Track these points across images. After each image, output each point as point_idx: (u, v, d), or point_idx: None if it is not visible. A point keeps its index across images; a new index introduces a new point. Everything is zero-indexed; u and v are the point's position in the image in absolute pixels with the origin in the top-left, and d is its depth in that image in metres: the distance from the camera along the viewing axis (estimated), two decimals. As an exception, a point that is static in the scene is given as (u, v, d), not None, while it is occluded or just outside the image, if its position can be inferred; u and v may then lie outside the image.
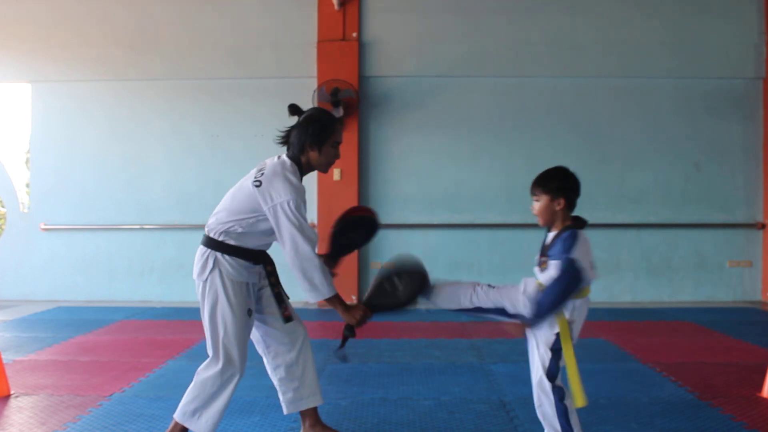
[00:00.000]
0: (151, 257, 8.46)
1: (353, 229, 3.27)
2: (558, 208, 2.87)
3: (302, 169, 3.12)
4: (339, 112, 8.00)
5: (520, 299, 2.87)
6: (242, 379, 4.46)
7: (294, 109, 3.21)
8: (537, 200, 2.93)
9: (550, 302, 2.73)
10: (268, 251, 3.19)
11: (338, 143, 3.17)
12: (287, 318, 3.16)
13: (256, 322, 3.18)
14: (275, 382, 3.27)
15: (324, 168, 3.18)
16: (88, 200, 8.51)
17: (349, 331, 3.10)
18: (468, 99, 8.53)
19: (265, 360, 3.29)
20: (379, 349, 5.50)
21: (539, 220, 2.94)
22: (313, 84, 8.26)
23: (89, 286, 8.52)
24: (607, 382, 4.43)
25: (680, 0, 8.52)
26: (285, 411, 3.26)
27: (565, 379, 2.83)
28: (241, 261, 3.04)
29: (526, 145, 8.48)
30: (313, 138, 3.08)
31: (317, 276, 2.93)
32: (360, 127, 8.37)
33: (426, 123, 8.47)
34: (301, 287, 2.97)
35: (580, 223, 2.89)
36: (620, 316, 7.27)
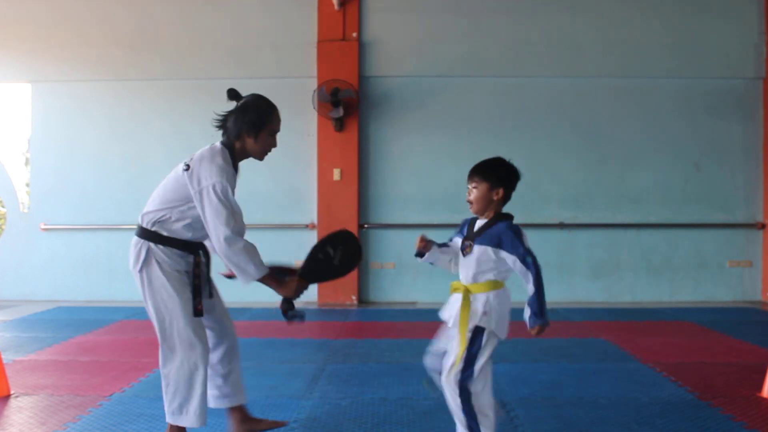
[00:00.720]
0: (151, 257, 8.45)
1: (332, 245, 3.12)
2: (495, 198, 2.89)
3: (235, 155, 3.08)
4: (339, 112, 8.00)
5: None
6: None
7: (233, 94, 3.16)
8: (475, 188, 2.92)
9: (540, 298, 2.79)
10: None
11: (276, 132, 3.12)
12: (197, 312, 3.04)
13: None
14: (214, 376, 3.24)
15: (259, 156, 3.14)
16: (88, 200, 8.51)
17: (288, 305, 3.06)
18: (468, 99, 8.53)
19: (213, 354, 3.23)
20: (379, 349, 5.50)
21: (472, 207, 2.95)
22: (313, 84, 8.26)
23: (89, 286, 8.52)
24: (607, 382, 4.43)
25: (680, 0, 8.53)
26: (210, 404, 3.22)
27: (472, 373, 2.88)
28: (175, 250, 3.01)
29: (526, 145, 8.48)
30: (250, 125, 3.03)
31: (243, 259, 2.87)
32: (360, 127, 8.37)
33: (426, 123, 8.47)
34: (238, 268, 2.91)
35: (510, 216, 2.96)
36: (620, 316, 7.27)
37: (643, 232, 8.48)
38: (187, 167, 2.97)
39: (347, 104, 8.08)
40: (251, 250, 2.91)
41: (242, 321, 7.04)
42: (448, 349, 2.90)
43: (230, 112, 3.12)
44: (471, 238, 2.93)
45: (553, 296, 8.39)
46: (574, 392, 4.17)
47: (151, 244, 3.02)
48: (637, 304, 8.27)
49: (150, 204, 3.09)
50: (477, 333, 2.83)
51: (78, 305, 8.06)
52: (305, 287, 3.04)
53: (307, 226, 8.40)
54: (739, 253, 8.52)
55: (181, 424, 3.03)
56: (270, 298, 8.26)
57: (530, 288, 2.79)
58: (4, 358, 4.45)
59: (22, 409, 3.87)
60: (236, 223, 2.90)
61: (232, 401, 3.25)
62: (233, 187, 3.00)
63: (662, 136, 8.48)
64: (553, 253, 8.43)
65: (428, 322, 6.86)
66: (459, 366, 2.82)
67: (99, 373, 4.70)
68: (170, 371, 2.99)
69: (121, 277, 8.47)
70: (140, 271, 3.04)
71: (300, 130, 8.45)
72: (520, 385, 4.34)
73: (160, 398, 4.01)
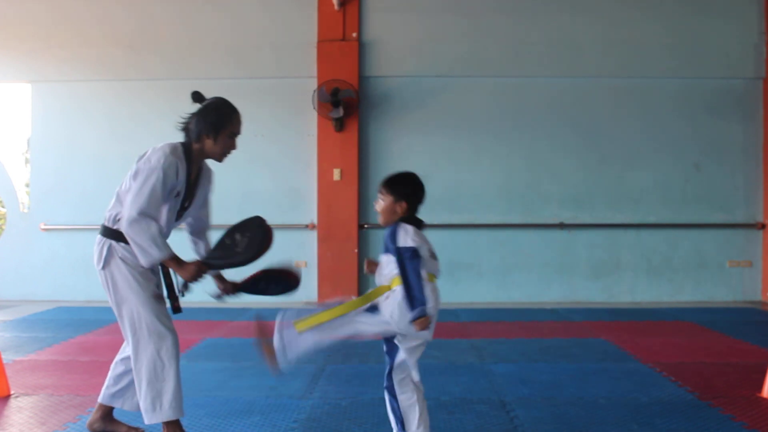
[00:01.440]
0: (151, 257, 8.46)
1: (241, 232, 3.14)
2: (399, 210, 2.96)
3: (193, 155, 3.12)
4: (339, 112, 8.00)
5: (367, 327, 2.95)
6: (242, 379, 4.49)
7: (197, 96, 3.20)
8: (382, 199, 3.00)
9: (417, 289, 2.79)
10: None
11: (236, 134, 3.16)
12: (176, 309, 3.12)
13: None
14: (112, 372, 3.25)
15: (219, 158, 3.17)
16: (88, 200, 8.51)
17: (185, 287, 3.08)
18: (468, 99, 8.53)
19: (121, 351, 3.25)
20: (379, 349, 5.48)
21: (380, 218, 3.03)
22: (313, 84, 8.26)
23: (89, 286, 8.50)
24: (607, 382, 4.43)
25: (680, 0, 8.53)
26: (99, 398, 3.25)
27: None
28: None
29: (526, 145, 8.49)
30: (210, 126, 3.08)
31: (146, 240, 2.89)
32: (360, 127, 8.37)
33: (426, 123, 8.47)
34: (139, 248, 2.93)
35: (415, 221, 2.98)
36: (620, 316, 7.27)
37: (643, 232, 8.48)
38: (140, 158, 3.06)
39: (347, 104, 8.08)
40: (156, 233, 2.92)
41: (242, 321, 7.04)
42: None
43: (193, 114, 3.15)
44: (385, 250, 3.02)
45: (553, 296, 8.50)
46: (574, 392, 4.17)
47: (113, 242, 3.05)
48: (637, 304, 8.27)
49: (111, 202, 3.13)
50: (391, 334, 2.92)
51: (78, 305, 8.06)
52: (204, 272, 3.05)
53: (307, 226, 8.40)
54: (739, 253, 8.52)
55: (157, 420, 3.04)
56: (270, 298, 8.26)
57: (405, 281, 2.81)
58: (4, 358, 4.45)
59: (22, 409, 3.87)
60: (149, 208, 2.91)
61: (112, 401, 3.27)
62: (177, 185, 3.03)
63: (662, 136, 8.48)
64: (553, 253, 8.44)
65: (428, 322, 6.87)
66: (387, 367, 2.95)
67: (99, 373, 4.69)
68: (142, 366, 3.01)
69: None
70: (103, 268, 3.06)
71: (300, 130, 8.46)
72: (520, 385, 4.34)
73: (160, 398, 4.01)
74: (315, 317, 2.95)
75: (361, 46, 8.43)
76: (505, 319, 7.12)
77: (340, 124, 8.19)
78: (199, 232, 3.38)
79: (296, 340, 2.93)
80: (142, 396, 3.02)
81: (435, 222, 8.42)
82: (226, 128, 3.11)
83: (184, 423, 3.56)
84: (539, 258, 8.44)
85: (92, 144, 8.56)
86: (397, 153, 8.46)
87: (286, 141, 8.54)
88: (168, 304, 3.15)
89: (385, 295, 2.91)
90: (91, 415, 3.36)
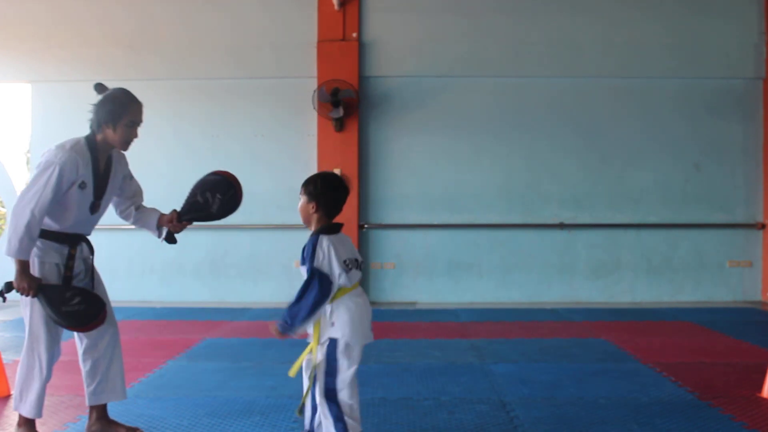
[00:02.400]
0: (151, 257, 8.46)
1: (210, 190, 3.25)
2: (312, 211, 2.95)
3: (97, 146, 3.16)
4: (339, 112, 8.00)
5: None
6: (242, 379, 4.49)
7: (99, 88, 3.26)
8: (300, 198, 3.00)
9: (300, 314, 2.76)
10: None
11: (135, 123, 3.20)
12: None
13: None
14: (82, 373, 3.32)
15: (121, 146, 3.21)
16: (88, 200, 8.50)
17: (7, 289, 3.14)
18: (468, 99, 8.53)
19: (77, 350, 3.32)
20: (379, 349, 5.50)
21: (301, 217, 3.02)
22: (313, 84, 8.26)
23: (89, 286, 8.51)
24: (607, 382, 4.43)
25: (680, 0, 8.53)
26: (86, 402, 3.32)
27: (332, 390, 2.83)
28: (47, 242, 3.09)
29: (526, 145, 8.49)
30: (108, 115, 3.14)
31: (19, 234, 2.92)
32: (360, 127, 8.37)
33: (426, 123, 8.47)
34: (8, 236, 2.97)
35: (329, 228, 2.95)
36: (620, 316, 7.27)
37: (643, 232, 8.48)
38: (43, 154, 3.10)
39: (347, 104, 8.08)
40: (30, 235, 2.95)
41: (242, 321, 7.03)
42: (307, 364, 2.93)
43: (94, 105, 3.22)
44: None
45: (553, 296, 8.50)
46: (574, 392, 4.17)
47: None
48: (637, 304, 8.26)
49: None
50: (332, 344, 2.83)
51: (78, 305, 8.05)
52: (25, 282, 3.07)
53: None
54: (739, 253, 8.51)
55: (19, 411, 3.16)
56: (270, 298, 8.26)
57: (297, 298, 2.77)
58: (4, 358, 4.45)
59: (22, 409, 3.87)
60: (37, 201, 2.94)
61: (108, 397, 3.33)
62: (78, 178, 3.06)
63: (662, 136, 8.48)
64: (553, 253, 8.44)
65: (428, 322, 6.87)
66: (321, 380, 2.82)
67: (99, 373, 4.69)
68: (22, 359, 3.15)
69: (121, 277, 8.48)
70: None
71: (300, 130, 8.46)
72: (520, 385, 4.34)
73: (161, 398, 4.02)
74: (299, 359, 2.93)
75: (361, 46, 8.43)
76: (505, 319, 7.12)
77: (340, 124, 8.19)
78: (138, 206, 3.46)
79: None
80: (16, 383, 3.16)
81: (435, 222, 8.43)
82: (124, 117, 3.15)
83: (184, 423, 3.57)
84: (539, 258, 8.43)
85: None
86: (397, 153, 8.46)
87: (286, 141, 8.53)
88: None
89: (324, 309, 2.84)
90: (88, 417, 3.36)
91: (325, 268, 2.80)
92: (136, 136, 3.22)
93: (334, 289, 2.81)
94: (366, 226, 8.39)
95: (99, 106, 3.17)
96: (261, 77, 8.52)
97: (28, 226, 2.94)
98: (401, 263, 8.37)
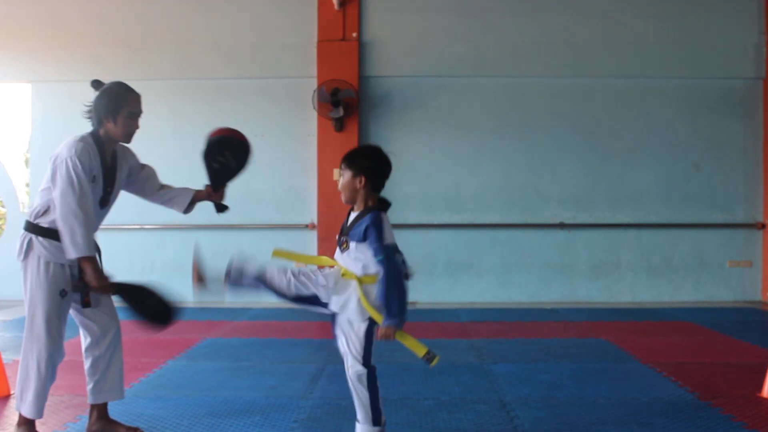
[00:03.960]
0: (150, 257, 8.46)
1: (219, 152, 3.39)
2: (359, 186, 2.83)
3: (102, 141, 3.17)
4: (339, 112, 8.00)
5: (321, 290, 2.86)
6: (242, 379, 4.49)
7: (96, 84, 3.25)
8: (341, 175, 2.91)
9: (398, 300, 2.72)
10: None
11: (135, 114, 3.20)
12: (85, 303, 3.18)
13: (74, 310, 3.23)
14: (85, 370, 3.33)
15: (124, 138, 3.22)
16: (88, 200, 8.51)
17: (83, 287, 3.13)
18: (468, 99, 8.53)
19: (81, 346, 3.33)
20: (379, 349, 5.48)
21: (342, 196, 2.92)
22: (313, 84, 8.26)
23: (89, 286, 8.52)
24: (607, 382, 4.43)
25: (680, 0, 8.53)
26: (88, 400, 3.33)
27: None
28: (54, 242, 3.09)
29: (526, 145, 8.49)
30: (106, 109, 3.13)
31: (79, 232, 2.95)
32: (360, 127, 8.37)
33: (426, 123, 8.47)
34: (64, 241, 2.99)
35: (383, 205, 2.87)
36: (620, 316, 7.27)
37: (643, 232, 8.48)
38: (54, 154, 3.09)
39: (347, 104, 8.08)
40: (89, 231, 3.00)
41: (242, 321, 7.03)
42: (343, 343, 2.93)
43: (92, 101, 3.21)
44: (345, 232, 2.89)
45: (553, 296, 8.49)
46: (574, 392, 4.17)
47: (33, 236, 3.13)
48: (637, 304, 8.26)
49: (35, 197, 3.20)
50: (372, 325, 2.85)
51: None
52: (109, 292, 3.14)
53: (307, 226, 8.40)
54: (739, 253, 8.51)
55: (19, 410, 3.16)
56: (270, 298, 8.25)
57: (385, 286, 2.71)
58: (4, 358, 4.46)
59: (22, 409, 3.87)
60: (80, 198, 2.97)
61: (107, 396, 3.33)
62: (93, 168, 3.08)
63: (662, 136, 8.48)
64: (553, 253, 8.44)
65: (428, 322, 6.87)
66: (360, 361, 2.87)
67: (99, 373, 4.69)
68: (23, 360, 3.14)
69: (121, 277, 8.45)
70: (22, 261, 3.17)
71: (300, 130, 8.46)
72: (520, 385, 4.34)
73: (161, 398, 4.02)
74: (293, 255, 2.98)
75: (361, 46, 8.43)
76: (505, 319, 7.12)
77: (340, 124, 8.19)
78: (159, 187, 3.51)
79: (244, 272, 2.88)
80: (17, 383, 3.16)
81: (435, 222, 8.43)
82: (123, 109, 3.15)
83: (184, 423, 3.57)
84: (539, 258, 8.43)
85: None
86: (397, 153, 8.35)
87: (286, 141, 8.53)
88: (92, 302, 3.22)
89: (368, 290, 2.80)
90: (89, 417, 3.36)
91: (392, 240, 2.74)
92: (137, 127, 3.22)
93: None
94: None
95: (97, 102, 3.17)
96: (261, 77, 8.52)
97: (85, 226, 2.95)
98: (401, 263, 8.37)
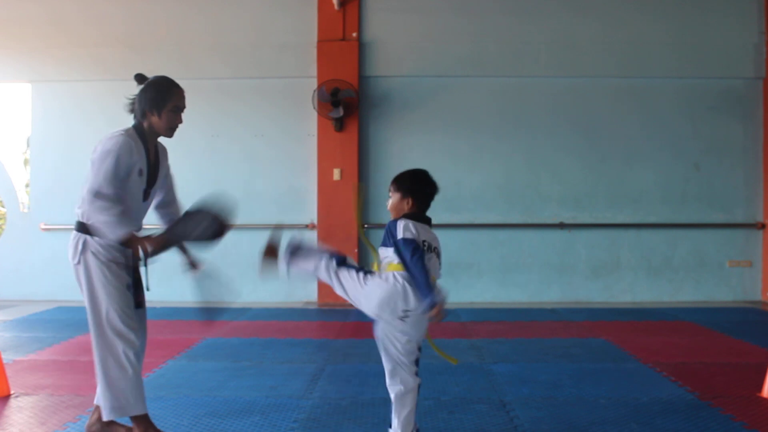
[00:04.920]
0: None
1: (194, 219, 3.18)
2: (407, 207, 3.02)
3: (145, 135, 3.17)
4: (339, 112, 8.00)
5: (361, 299, 2.93)
6: (242, 379, 4.49)
7: (140, 78, 3.23)
8: (391, 196, 3.07)
9: (422, 280, 2.78)
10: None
11: (179, 108, 3.20)
12: (138, 303, 3.19)
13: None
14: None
15: (167, 132, 3.21)
16: (88, 200, 8.51)
17: (146, 258, 3.10)
18: (468, 99, 8.53)
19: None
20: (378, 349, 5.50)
21: (391, 215, 3.06)
22: (313, 84, 8.26)
23: (89, 286, 8.51)
24: (607, 382, 4.43)
25: (680, 0, 8.53)
26: (95, 400, 3.27)
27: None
28: (109, 242, 3.07)
29: (526, 145, 8.49)
30: (151, 102, 3.13)
31: (105, 219, 2.94)
32: (360, 127, 8.37)
33: (426, 123, 8.47)
34: (100, 229, 2.98)
35: (416, 215, 3.00)
36: (620, 316, 7.27)
37: (643, 232, 8.48)
38: (94, 148, 3.11)
39: (347, 104, 8.08)
40: (115, 213, 2.96)
41: (242, 321, 7.03)
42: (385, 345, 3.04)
43: (136, 95, 3.21)
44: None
45: (553, 296, 8.49)
46: (574, 392, 4.17)
47: (87, 237, 3.08)
48: (637, 304, 8.26)
49: (81, 199, 3.15)
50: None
51: (78, 305, 8.02)
52: (165, 244, 3.09)
53: (307, 226, 8.40)
54: (739, 253, 8.52)
55: (115, 416, 3.08)
56: (270, 298, 8.25)
57: (411, 272, 2.81)
58: (4, 358, 4.45)
59: (22, 409, 3.87)
60: (107, 188, 2.96)
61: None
62: (136, 162, 3.09)
63: (662, 136, 8.48)
64: (553, 253, 8.44)
65: (428, 322, 6.86)
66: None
67: (99, 373, 4.69)
68: (105, 363, 3.06)
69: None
70: (78, 263, 3.09)
71: (300, 130, 8.46)
72: (520, 385, 4.34)
73: (161, 398, 4.02)
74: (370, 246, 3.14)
75: (361, 46, 8.43)
76: (505, 319, 7.12)
77: (340, 124, 8.19)
78: (168, 203, 3.45)
79: (302, 261, 3.01)
80: (103, 393, 3.08)
81: (435, 222, 8.39)
82: (168, 103, 3.15)
83: (184, 423, 3.57)
84: (539, 258, 8.44)
85: (92, 144, 8.49)
86: (397, 153, 8.46)
87: (286, 141, 8.54)
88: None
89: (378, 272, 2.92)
90: (89, 416, 3.35)
91: (409, 235, 2.84)
92: (180, 121, 3.23)
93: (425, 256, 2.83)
94: (366, 226, 8.38)
95: (141, 95, 3.16)
96: (261, 77, 8.52)
97: (108, 209, 2.95)
98: (401, 263, 8.36)
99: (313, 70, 8.37)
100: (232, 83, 8.49)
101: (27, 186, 9.00)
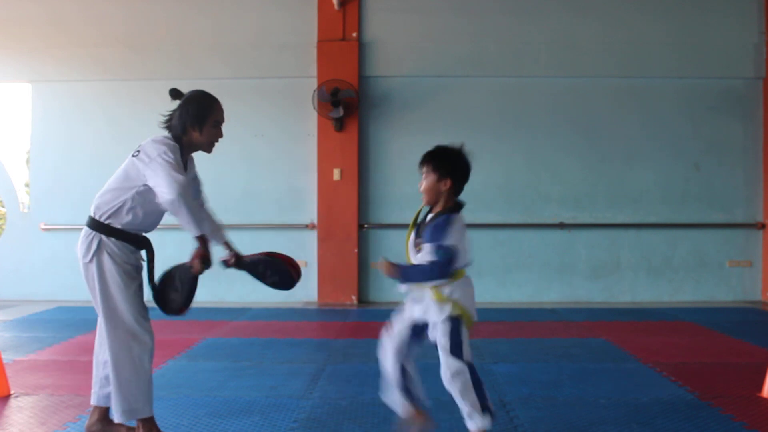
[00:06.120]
0: (151, 257, 8.45)
1: (271, 269, 3.38)
2: (444, 188, 2.87)
3: (183, 149, 3.16)
4: (339, 112, 8.00)
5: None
6: (242, 379, 4.49)
7: (175, 93, 3.25)
8: (424, 177, 2.92)
9: (415, 277, 2.83)
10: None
11: (219, 122, 3.21)
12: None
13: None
14: (98, 373, 3.24)
15: (207, 148, 3.22)
16: (88, 200, 8.34)
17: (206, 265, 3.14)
18: (468, 99, 8.53)
19: (97, 349, 3.26)
20: (376, 349, 5.49)
21: (424, 198, 2.94)
22: (313, 84, 8.26)
23: (89, 286, 8.51)
24: (607, 382, 4.43)
25: (680, 0, 8.53)
26: (92, 401, 3.26)
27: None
28: (125, 244, 3.09)
29: (526, 145, 8.49)
30: (193, 118, 3.12)
31: (194, 211, 2.98)
32: (360, 127, 8.37)
33: (426, 123, 8.46)
34: (181, 221, 2.98)
35: (457, 206, 2.90)
36: (620, 316, 7.27)
37: (643, 232, 8.48)
38: (137, 152, 3.07)
39: (347, 104, 8.08)
40: (196, 210, 3.02)
41: (242, 321, 7.03)
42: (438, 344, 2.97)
43: (174, 110, 3.19)
44: (420, 234, 2.96)
45: (553, 296, 8.49)
46: (574, 392, 4.17)
47: (103, 237, 3.07)
48: (637, 304, 8.26)
49: (102, 196, 3.16)
50: (455, 322, 2.87)
51: (78, 305, 8.05)
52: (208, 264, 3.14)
53: (307, 226, 8.39)
54: (739, 253, 8.52)
55: (133, 418, 3.07)
56: (270, 298, 8.23)
57: (420, 266, 2.83)
58: (4, 358, 4.45)
59: (22, 409, 3.87)
60: (181, 186, 2.93)
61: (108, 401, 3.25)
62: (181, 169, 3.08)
63: (662, 136, 8.48)
64: (553, 253, 8.44)
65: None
66: (455, 358, 2.89)
67: (99, 373, 4.69)
68: (120, 365, 3.04)
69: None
70: (90, 262, 3.06)
71: (300, 130, 8.46)
72: (520, 385, 4.34)
73: (161, 398, 4.01)
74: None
75: (361, 46, 8.43)
76: (505, 319, 7.12)
77: (340, 124, 8.19)
78: (203, 204, 3.50)
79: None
80: (114, 394, 3.07)
81: (435, 222, 8.42)
82: (210, 117, 3.15)
83: (184, 423, 3.57)
84: (539, 258, 8.43)
85: (92, 144, 8.55)
86: (397, 153, 8.45)
87: (286, 141, 8.53)
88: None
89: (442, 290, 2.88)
90: (88, 418, 3.35)
91: (459, 247, 2.77)
92: (221, 135, 3.23)
93: (453, 269, 2.79)
94: (366, 226, 8.38)
95: (182, 109, 3.14)
96: (261, 77, 8.52)
97: (191, 207, 2.97)
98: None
99: (313, 70, 8.37)
100: (232, 83, 8.48)
101: (27, 186, 9.00)
